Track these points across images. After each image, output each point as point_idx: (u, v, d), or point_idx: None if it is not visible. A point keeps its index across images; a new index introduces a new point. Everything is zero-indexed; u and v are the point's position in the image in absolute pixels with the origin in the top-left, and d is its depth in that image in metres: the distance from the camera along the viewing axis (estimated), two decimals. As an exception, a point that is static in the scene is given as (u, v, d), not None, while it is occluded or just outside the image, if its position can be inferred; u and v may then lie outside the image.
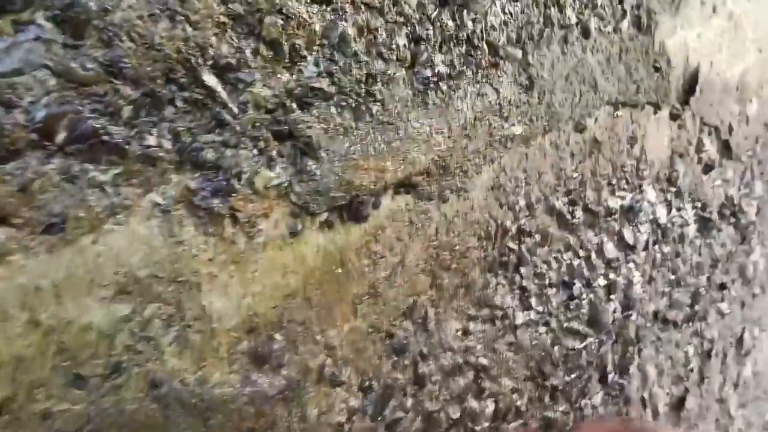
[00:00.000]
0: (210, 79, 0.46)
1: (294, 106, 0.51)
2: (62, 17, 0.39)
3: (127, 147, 0.43)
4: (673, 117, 0.90)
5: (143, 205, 0.45)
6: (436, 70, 0.60)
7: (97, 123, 0.41)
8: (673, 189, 0.94)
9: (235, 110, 0.48)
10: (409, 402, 0.66)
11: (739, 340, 1.18)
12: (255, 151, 0.49)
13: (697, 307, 1.04)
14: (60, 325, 0.42)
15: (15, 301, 0.40)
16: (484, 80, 0.64)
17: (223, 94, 0.47)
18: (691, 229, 0.99)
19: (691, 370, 1.07)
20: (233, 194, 0.49)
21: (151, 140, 0.44)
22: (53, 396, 0.43)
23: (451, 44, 0.61)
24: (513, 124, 0.68)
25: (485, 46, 0.63)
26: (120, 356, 0.45)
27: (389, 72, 0.56)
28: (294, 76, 0.51)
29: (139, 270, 0.45)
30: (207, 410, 0.50)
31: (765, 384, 1.31)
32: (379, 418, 0.64)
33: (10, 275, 0.40)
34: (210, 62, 0.46)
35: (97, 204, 0.42)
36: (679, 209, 0.96)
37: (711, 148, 0.99)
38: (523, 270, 0.75)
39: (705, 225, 1.01)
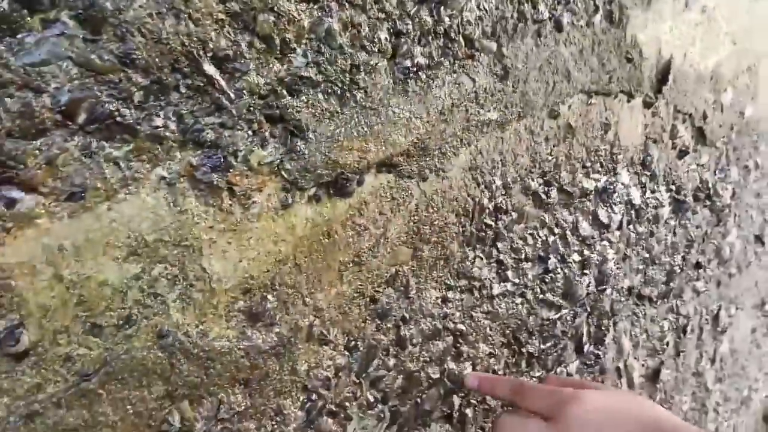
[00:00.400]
0: (210, 69, 0.53)
1: (285, 92, 0.57)
2: (83, 16, 0.46)
3: (137, 127, 0.50)
4: (647, 105, 0.96)
5: (151, 178, 0.51)
6: (416, 61, 0.66)
7: (112, 106, 0.48)
8: (648, 172, 1.00)
9: (232, 96, 0.54)
10: (392, 361, 0.73)
11: (715, 318, 1.24)
12: (250, 132, 0.56)
13: (672, 285, 1.11)
14: (80, 280, 0.49)
15: (42, 258, 0.47)
16: (460, 70, 0.71)
17: (222, 82, 0.54)
18: (666, 211, 1.05)
19: (667, 344, 1.13)
20: (230, 170, 0.55)
21: (159, 121, 0.51)
22: (74, 342, 0.50)
23: (430, 38, 0.67)
24: (489, 111, 0.75)
25: (461, 39, 0.70)
26: (131, 309, 0.52)
27: (372, 62, 0.63)
28: (285, 66, 0.57)
29: (147, 235, 0.52)
30: (207, 360, 0.57)
31: (742, 361, 1.37)
32: (364, 375, 0.71)
33: (38, 236, 0.47)
34: (210, 54, 0.52)
35: (112, 176, 0.49)
36: (653, 191, 1.02)
37: (685, 135, 1.05)
38: (500, 245, 0.82)
39: (679, 207, 1.07)
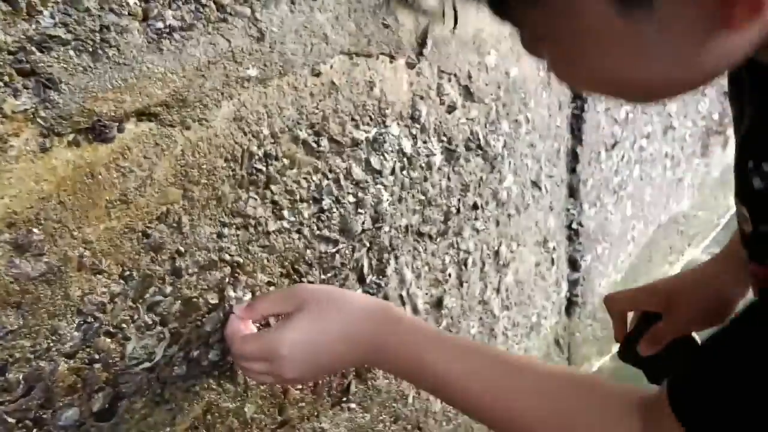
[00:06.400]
0: (-46, 27, 0.60)
1: (34, 49, 0.66)
2: None
3: None
4: (410, 66, 1.11)
5: None
6: (168, 23, 0.76)
7: None
8: (417, 125, 1.15)
9: (-20, 52, 0.62)
10: (168, 289, 0.83)
11: (497, 253, 1.43)
12: (0, 84, 0.64)
13: (450, 224, 1.28)
14: None
15: None
16: (215, 32, 0.81)
17: (-32, 39, 0.61)
18: (438, 159, 1.21)
19: (449, 276, 1.31)
20: (-16, 117, 0.63)
21: None
22: None
23: (180, 2, 0.77)
24: (248, 68, 0.86)
25: (213, 5, 0.80)
26: None
27: (122, 24, 0.72)
28: (33, 26, 0.65)
29: None
30: (-25, 285, 0.65)
31: (528, 291, 1.58)
32: (141, 301, 0.81)
33: None
34: (-46, 14, 0.60)
35: None
36: (425, 142, 1.18)
37: (452, 92, 1.21)
38: (273, 187, 0.94)
39: (451, 156, 1.24)
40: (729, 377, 0.54)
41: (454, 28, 1.17)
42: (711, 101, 2.35)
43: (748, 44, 0.47)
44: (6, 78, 0.64)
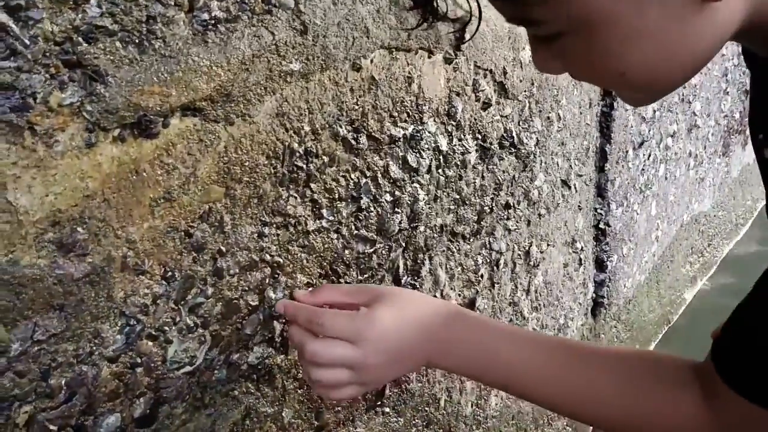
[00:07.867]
0: (2, 17, 0.58)
1: (81, 40, 0.63)
2: None
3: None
4: (447, 61, 1.08)
5: (-52, 117, 0.56)
6: (213, 14, 0.73)
7: None
8: (453, 122, 1.12)
9: (27, 42, 0.59)
10: (210, 290, 0.81)
11: (527, 253, 1.40)
12: (47, 76, 0.61)
13: (483, 223, 1.25)
14: None
15: None
16: (259, 24, 0.79)
17: (16, 29, 0.59)
18: (473, 157, 1.19)
19: (481, 276, 1.28)
20: (30, 110, 0.61)
21: (-49, 64, 0.55)
22: None
23: (226, -7, 0.74)
24: (291, 62, 0.83)
25: (258, -4, 0.77)
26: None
27: (169, 15, 0.69)
28: (80, 16, 0.63)
29: (-52, 169, 0.57)
30: (19, 286, 0.63)
31: (557, 292, 1.55)
32: (182, 302, 0.78)
33: None
34: (2, 3, 0.57)
35: None
36: (460, 139, 1.15)
37: (487, 89, 1.18)
38: (313, 185, 0.91)
39: (486, 153, 1.21)
40: (763, 334, 0.59)
41: (476, 31, 1.13)
42: (733, 99, 2.32)
43: (736, 14, 0.51)
44: (53, 69, 0.62)
